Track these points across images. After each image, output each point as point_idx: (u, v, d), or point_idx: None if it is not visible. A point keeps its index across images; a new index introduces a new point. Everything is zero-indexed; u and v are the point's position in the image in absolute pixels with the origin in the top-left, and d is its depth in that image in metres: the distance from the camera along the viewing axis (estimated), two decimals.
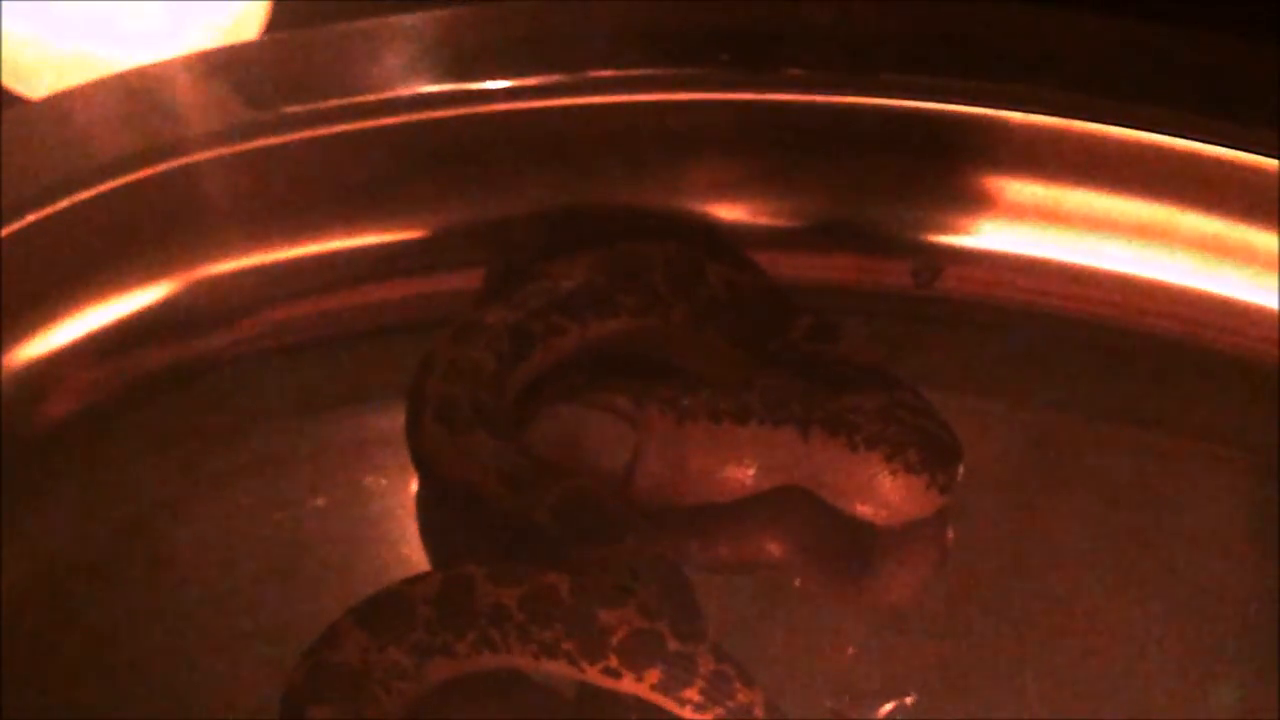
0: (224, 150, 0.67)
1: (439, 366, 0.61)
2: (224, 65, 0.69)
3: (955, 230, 0.69)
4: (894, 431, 0.59)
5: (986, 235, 0.68)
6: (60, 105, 0.68)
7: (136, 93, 0.68)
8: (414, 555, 0.61)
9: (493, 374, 0.61)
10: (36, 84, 0.73)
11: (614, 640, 0.53)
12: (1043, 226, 0.68)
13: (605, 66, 0.69)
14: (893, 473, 0.59)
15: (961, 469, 0.60)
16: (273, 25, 0.76)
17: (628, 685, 0.53)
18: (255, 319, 0.67)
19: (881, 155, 0.68)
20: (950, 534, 0.61)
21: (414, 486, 0.62)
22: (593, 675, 0.53)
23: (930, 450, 0.60)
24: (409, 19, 0.70)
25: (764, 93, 0.68)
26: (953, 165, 0.68)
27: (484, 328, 0.62)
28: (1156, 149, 0.67)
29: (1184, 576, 0.60)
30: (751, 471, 0.60)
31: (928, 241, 0.69)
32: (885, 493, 0.60)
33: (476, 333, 0.62)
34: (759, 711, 0.53)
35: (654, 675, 0.53)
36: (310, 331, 0.67)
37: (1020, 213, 0.68)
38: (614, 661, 0.53)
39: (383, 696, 0.53)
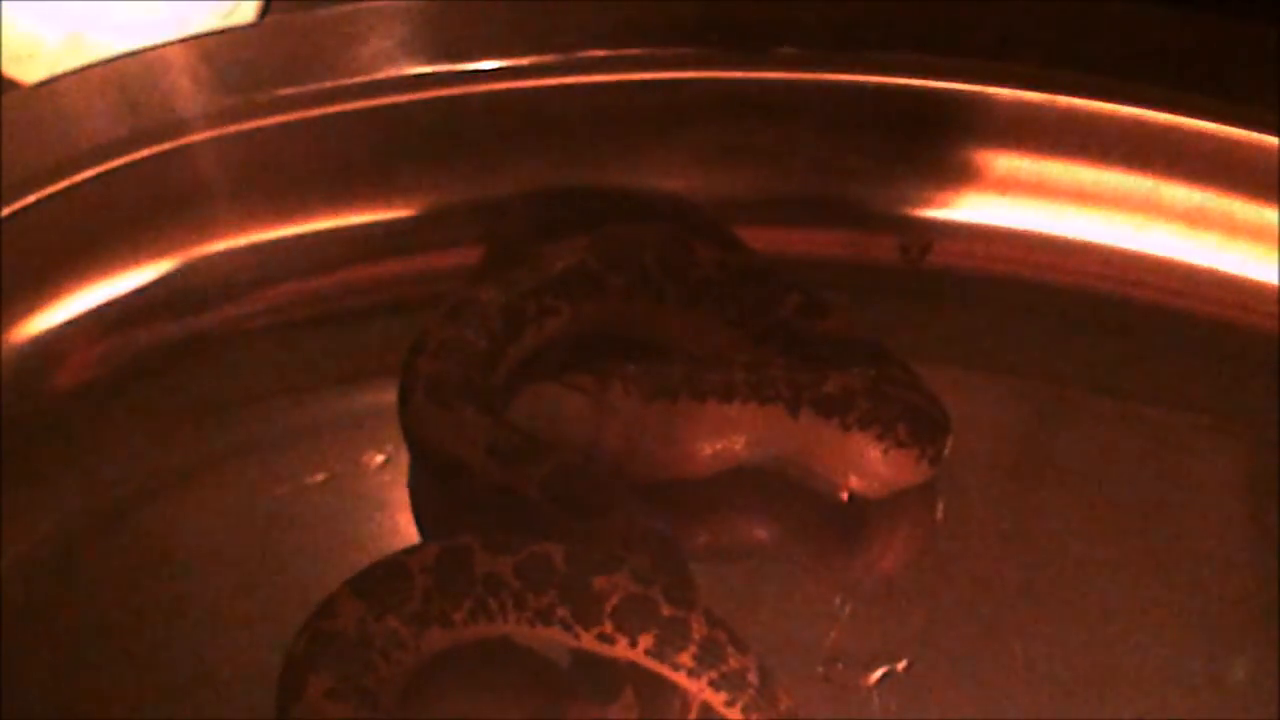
0: (219, 132, 0.67)
1: (431, 345, 0.62)
2: (219, 49, 0.69)
3: (944, 205, 0.69)
4: (884, 409, 0.60)
5: (975, 210, 0.69)
6: (59, 88, 0.68)
7: (134, 76, 0.68)
8: (410, 529, 0.61)
9: (484, 353, 0.62)
10: (34, 68, 0.74)
11: (608, 606, 0.53)
12: (1031, 200, 0.69)
13: (595, 46, 0.69)
14: (884, 450, 0.60)
15: (950, 440, 0.61)
16: (267, 10, 0.76)
17: (622, 650, 0.54)
18: (251, 298, 0.67)
19: (870, 132, 0.69)
20: (940, 505, 0.62)
21: (410, 462, 0.62)
22: (587, 641, 0.54)
23: (919, 424, 0.60)
24: (401, 1, 0.71)
25: (752, 71, 0.69)
26: (941, 141, 0.69)
27: (476, 307, 0.63)
28: (1142, 123, 0.68)
29: (1173, 544, 0.61)
30: (738, 447, 0.60)
31: (916, 217, 0.69)
32: (876, 467, 0.60)
33: (469, 312, 0.63)
34: (752, 676, 0.53)
35: (647, 640, 0.53)
36: (306, 310, 0.67)
37: (1008, 187, 0.69)
38: (608, 627, 0.53)
39: (381, 665, 0.54)
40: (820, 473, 0.61)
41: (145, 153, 0.66)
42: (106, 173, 0.66)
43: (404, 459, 0.62)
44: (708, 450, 0.60)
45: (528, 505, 0.58)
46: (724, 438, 0.60)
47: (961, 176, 0.69)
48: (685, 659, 0.53)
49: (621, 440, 0.60)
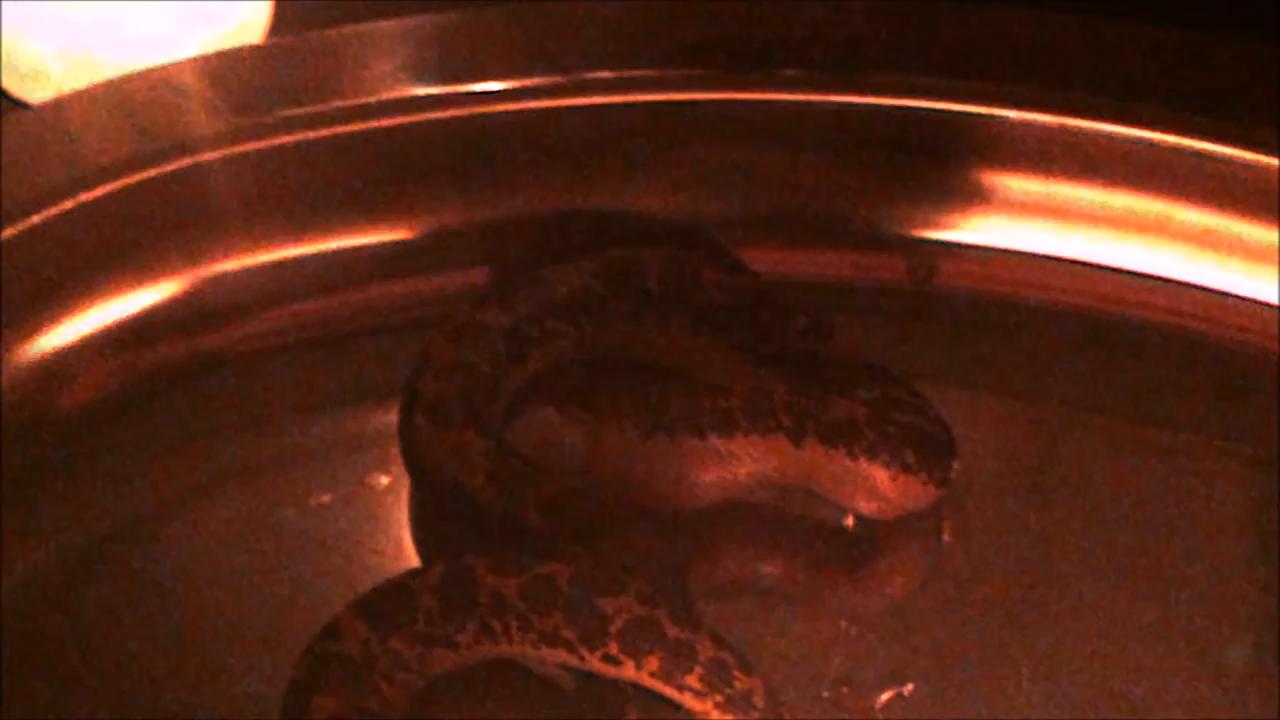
0: (225, 152, 0.67)
1: (433, 366, 0.61)
2: (226, 69, 0.69)
3: (950, 227, 0.69)
4: (890, 435, 0.59)
5: (981, 231, 0.69)
6: (65, 108, 0.68)
7: (140, 96, 0.68)
8: (416, 551, 0.61)
9: (487, 376, 0.62)
10: (41, 88, 0.74)
11: (613, 628, 0.53)
12: (1037, 222, 0.69)
13: (600, 68, 0.69)
14: (892, 476, 0.60)
15: (957, 463, 0.61)
16: (274, 30, 0.76)
17: (628, 672, 0.53)
18: (257, 318, 0.67)
19: (876, 154, 0.69)
20: (947, 528, 0.61)
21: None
22: (593, 663, 0.54)
23: (926, 449, 0.60)
24: (407, 22, 0.71)
25: (758, 93, 0.69)
26: (948, 162, 0.69)
27: (480, 330, 0.63)
28: (1150, 144, 0.68)
29: (1181, 568, 0.60)
30: (740, 478, 0.60)
31: (923, 238, 0.69)
32: (883, 492, 0.60)
33: (472, 334, 0.62)
34: (758, 699, 0.53)
35: (654, 662, 0.53)
36: (312, 330, 0.67)
37: (1015, 208, 0.69)
38: (614, 649, 0.53)
39: (385, 687, 0.54)
40: (826, 498, 0.61)
41: (150, 173, 0.66)
42: (111, 193, 0.66)
43: (409, 480, 0.62)
44: (708, 482, 0.60)
45: (527, 529, 0.58)
46: (725, 470, 0.60)
47: (968, 198, 0.69)
48: (692, 680, 0.53)
49: (618, 474, 0.60)
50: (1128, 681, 0.57)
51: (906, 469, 0.59)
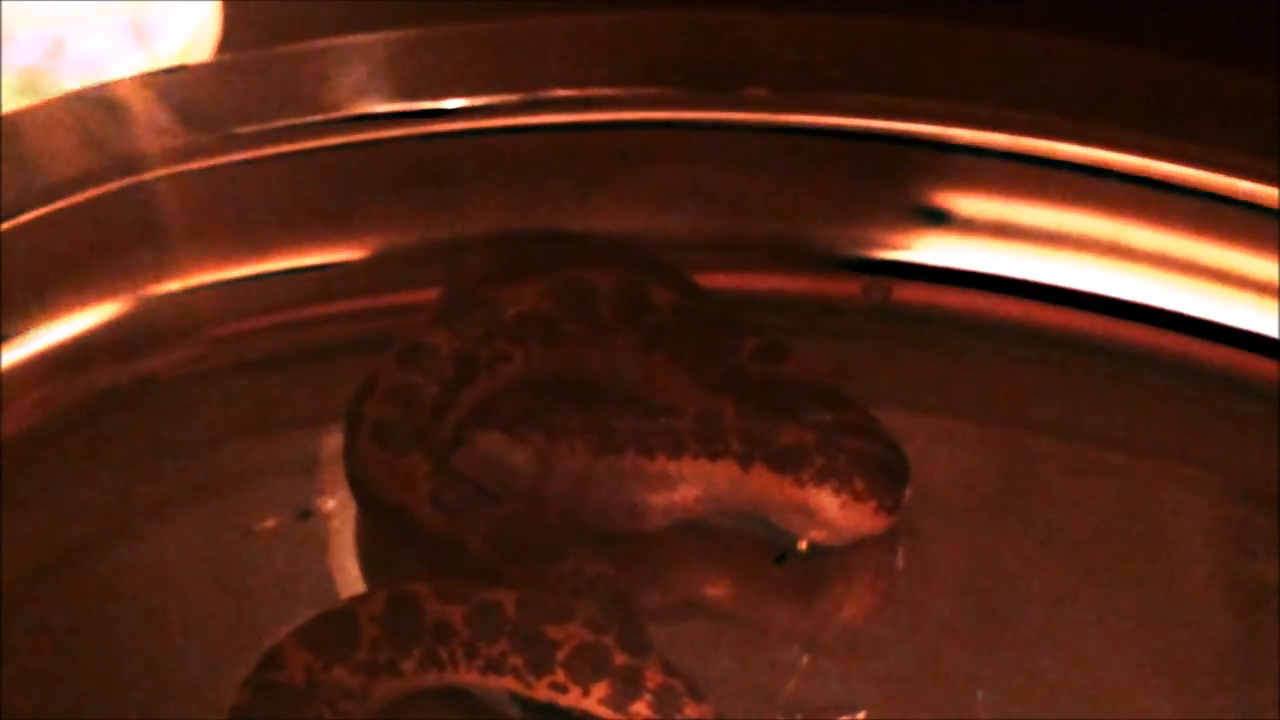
0: (176, 169, 0.67)
1: (379, 389, 0.61)
2: (176, 85, 0.69)
3: (906, 248, 0.69)
4: (839, 462, 0.59)
5: (937, 252, 0.69)
6: (15, 124, 0.68)
7: (92, 112, 0.68)
8: (362, 577, 0.60)
9: (434, 398, 0.61)
10: None
11: (561, 655, 0.53)
12: (994, 243, 0.68)
13: (557, 87, 0.69)
14: (840, 504, 0.59)
15: (909, 489, 0.60)
16: (225, 47, 0.76)
17: (575, 700, 0.53)
18: (204, 338, 0.66)
19: (831, 173, 0.69)
20: (900, 552, 0.61)
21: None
22: (540, 691, 0.53)
23: (876, 475, 0.60)
24: (362, 39, 0.71)
25: (714, 112, 0.69)
26: (903, 183, 0.69)
27: (428, 352, 0.62)
28: (1108, 166, 0.68)
29: (1141, 593, 0.60)
30: (689, 502, 0.60)
31: (878, 260, 0.69)
32: (831, 519, 0.60)
33: (420, 356, 0.62)
34: None
35: (601, 690, 0.53)
36: (259, 351, 0.67)
37: (971, 230, 0.68)
38: (561, 676, 0.53)
39: (329, 717, 0.53)
40: (776, 524, 0.60)
41: (99, 190, 0.66)
42: (61, 210, 0.66)
43: (354, 505, 0.61)
44: (657, 505, 0.60)
45: (472, 555, 0.57)
46: (673, 493, 0.60)
47: (924, 219, 0.69)
48: (640, 708, 0.53)
49: (568, 495, 0.59)
50: (1086, 707, 0.57)
51: (855, 496, 0.59)
